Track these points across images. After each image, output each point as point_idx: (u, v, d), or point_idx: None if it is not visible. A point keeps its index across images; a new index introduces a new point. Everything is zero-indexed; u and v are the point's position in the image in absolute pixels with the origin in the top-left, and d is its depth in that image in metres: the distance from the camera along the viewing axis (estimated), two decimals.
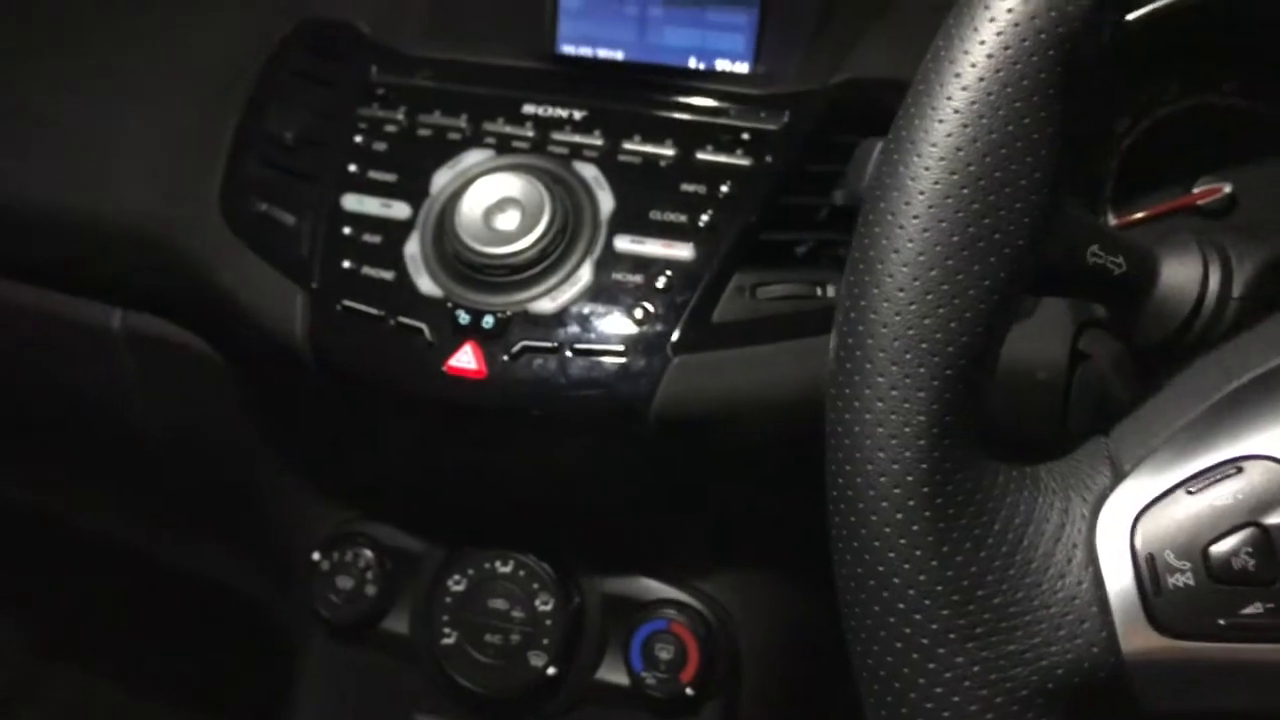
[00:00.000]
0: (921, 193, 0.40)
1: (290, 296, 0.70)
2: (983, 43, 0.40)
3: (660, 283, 0.67)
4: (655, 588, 0.77)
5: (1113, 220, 0.71)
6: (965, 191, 0.40)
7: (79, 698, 1.37)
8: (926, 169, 0.40)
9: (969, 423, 0.41)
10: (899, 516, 0.40)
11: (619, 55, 0.75)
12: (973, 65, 0.40)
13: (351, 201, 0.71)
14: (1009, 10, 0.40)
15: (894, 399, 0.40)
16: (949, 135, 0.40)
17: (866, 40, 0.71)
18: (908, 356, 0.40)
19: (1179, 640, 0.40)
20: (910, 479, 0.40)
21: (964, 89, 0.40)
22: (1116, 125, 0.70)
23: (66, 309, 0.84)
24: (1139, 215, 0.71)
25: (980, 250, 0.40)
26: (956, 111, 0.40)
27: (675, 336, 0.66)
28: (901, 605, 0.40)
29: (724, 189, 0.68)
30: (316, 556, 0.80)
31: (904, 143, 0.41)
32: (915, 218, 0.40)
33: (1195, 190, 0.70)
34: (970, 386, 0.41)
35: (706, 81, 0.73)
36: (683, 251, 0.67)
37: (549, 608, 0.76)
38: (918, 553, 0.40)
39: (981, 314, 0.41)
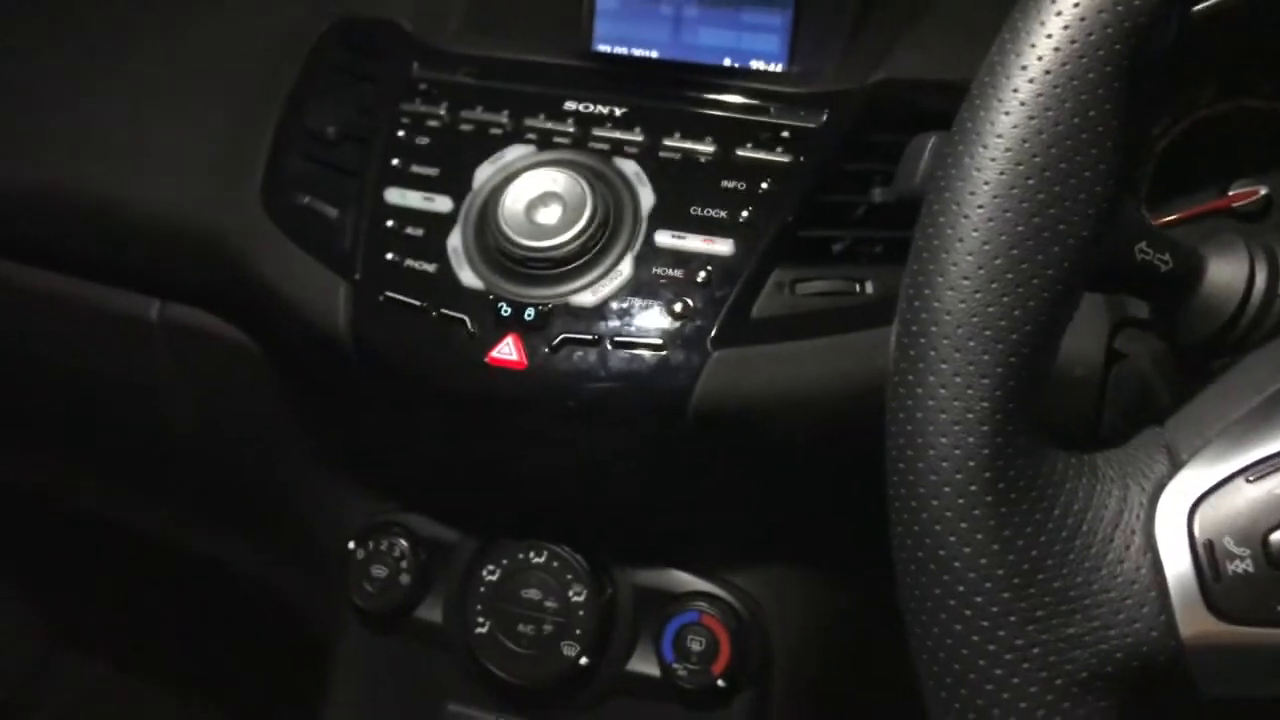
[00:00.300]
0: (986, 183, 0.41)
1: (333, 288, 0.71)
2: (1049, 36, 0.41)
3: (700, 277, 0.67)
4: (687, 580, 0.77)
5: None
6: (1030, 182, 0.41)
7: (82, 696, 1.37)
8: (992, 159, 0.41)
9: (1030, 410, 0.42)
10: (961, 501, 0.41)
11: (654, 54, 0.76)
12: (1039, 58, 0.41)
13: (394, 195, 0.72)
14: (1075, 4, 0.41)
15: (957, 385, 0.41)
16: (1015, 127, 0.41)
17: (903, 41, 0.72)
18: (971, 343, 0.41)
19: (1237, 625, 0.40)
20: (972, 464, 0.41)
21: (1030, 81, 0.41)
22: (1153, 127, 0.71)
23: (104, 299, 0.85)
24: (1174, 217, 0.71)
25: (1045, 240, 0.41)
26: (1023, 104, 0.41)
27: (714, 331, 0.66)
28: (962, 588, 0.41)
29: (764, 186, 0.69)
30: (352, 546, 0.80)
31: (969, 134, 0.42)
32: (980, 207, 0.41)
33: (1231, 192, 0.71)
34: (1032, 374, 0.42)
35: (743, 80, 0.73)
36: (722, 247, 0.68)
37: (582, 598, 0.76)
38: (979, 537, 0.41)
39: (1045, 302, 0.41)
